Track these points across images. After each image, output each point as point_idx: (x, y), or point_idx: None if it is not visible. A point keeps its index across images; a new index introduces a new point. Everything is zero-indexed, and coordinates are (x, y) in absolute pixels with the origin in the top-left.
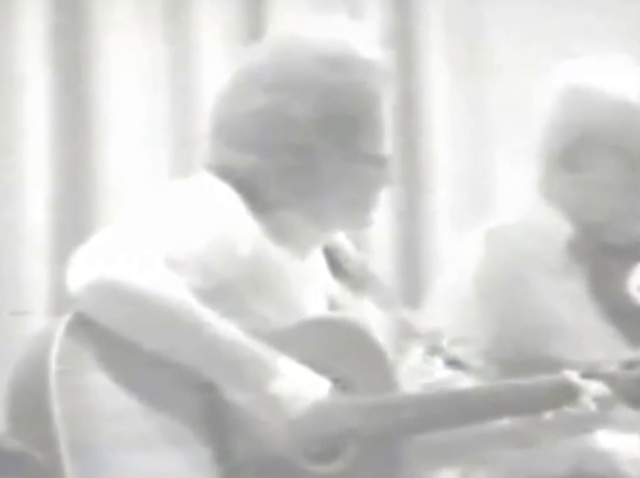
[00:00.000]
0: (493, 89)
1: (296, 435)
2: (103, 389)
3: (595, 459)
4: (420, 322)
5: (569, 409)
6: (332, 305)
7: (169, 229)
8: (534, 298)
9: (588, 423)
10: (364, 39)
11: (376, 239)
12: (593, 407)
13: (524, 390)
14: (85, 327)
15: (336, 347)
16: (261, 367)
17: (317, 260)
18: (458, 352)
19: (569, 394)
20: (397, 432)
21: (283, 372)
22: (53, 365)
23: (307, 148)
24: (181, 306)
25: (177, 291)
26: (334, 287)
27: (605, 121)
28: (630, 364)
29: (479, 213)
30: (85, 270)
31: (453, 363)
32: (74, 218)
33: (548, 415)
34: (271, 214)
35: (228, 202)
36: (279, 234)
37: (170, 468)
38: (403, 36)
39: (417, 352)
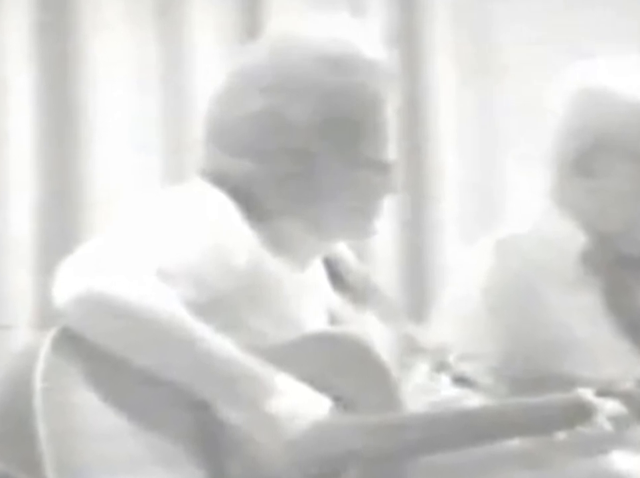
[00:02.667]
0: (503, 91)
1: (294, 456)
2: (91, 407)
3: None
4: (426, 337)
5: (583, 429)
6: (333, 319)
7: (161, 239)
8: (546, 312)
9: (603, 444)
10: (366, 38)
11: (380, 249)
12: (608, 426)
13: (536, 409)
14: (72, 342)
15: (337, 364)
16: (257, 384)
17: (316, 272)
18: (466, 368)
19: (583, 413)
20: (401, 453)
21: (281, 390)
22: (38, 382)
23: (307, 153)
24: (173, 320)
25: (169, 304)
26: (335, 300)
27: (620, 124)
28: None
29: (487, 222)
30: (72, 282)
31: (460, 380)
32: (60, 227)
33: (561, 435)
34: (268, 223)
35: (222, 211)
36: (277, 244)
37: None
38: (408, 35)
39: (422, 368)
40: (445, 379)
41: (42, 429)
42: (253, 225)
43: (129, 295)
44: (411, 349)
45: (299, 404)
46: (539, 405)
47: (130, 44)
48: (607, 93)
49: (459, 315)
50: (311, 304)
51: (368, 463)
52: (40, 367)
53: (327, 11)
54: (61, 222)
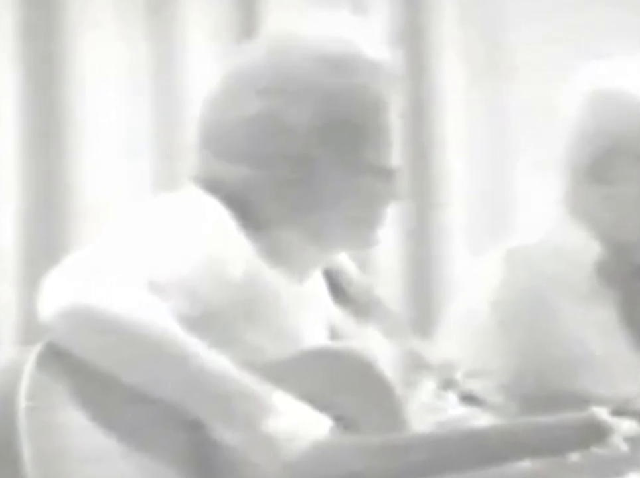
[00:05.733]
0: (513, 93)
1: None
2: (78, 427)
3: None
4: (432, 353)
5: (597, 450)
6: (334, 334)
7: (152, 249)
8: (559, 326)
9: (619, 466)
10: (369, 37)
11: (383, 260)
12: (624, 447)
13: (548, 429)
14: (58, 359)
15: (338, 381)
16: (254, 403)
17: (316, 284)
18: (474, 386)
19: (597, 432)
20: (405, 476)
21: (279, 409)
22: (22, 401)
23: (306, 158)
24: (165, 335)
25: (160, 318)
26: (335, 313)
27: (637, 128)
28: None
29: (497, 231)
30: (57, 295)
31: (468, 399)
32: (46, 237)
33: (574, 456)
34: (265, 232)
35: (217, 219)
36: (275, 254)
37: None
38: (414, 34)
39: (428, 386)
40: (452, 397)
41: (26, 450)
42: (250, 234)
43: (118, 308)
44: (416, 366)
45: (298, 424)
46: (551, 424)
47: (120, 44)
48: (623, 95)
49: (466, 329)
50: (311, 318)
51: None
52: (24, 385)
53: (328, 9)
54: (47, 231)
